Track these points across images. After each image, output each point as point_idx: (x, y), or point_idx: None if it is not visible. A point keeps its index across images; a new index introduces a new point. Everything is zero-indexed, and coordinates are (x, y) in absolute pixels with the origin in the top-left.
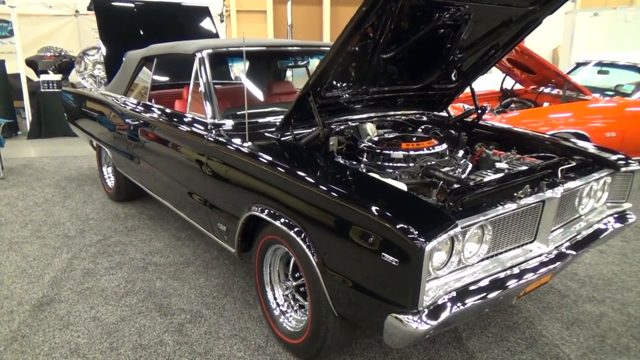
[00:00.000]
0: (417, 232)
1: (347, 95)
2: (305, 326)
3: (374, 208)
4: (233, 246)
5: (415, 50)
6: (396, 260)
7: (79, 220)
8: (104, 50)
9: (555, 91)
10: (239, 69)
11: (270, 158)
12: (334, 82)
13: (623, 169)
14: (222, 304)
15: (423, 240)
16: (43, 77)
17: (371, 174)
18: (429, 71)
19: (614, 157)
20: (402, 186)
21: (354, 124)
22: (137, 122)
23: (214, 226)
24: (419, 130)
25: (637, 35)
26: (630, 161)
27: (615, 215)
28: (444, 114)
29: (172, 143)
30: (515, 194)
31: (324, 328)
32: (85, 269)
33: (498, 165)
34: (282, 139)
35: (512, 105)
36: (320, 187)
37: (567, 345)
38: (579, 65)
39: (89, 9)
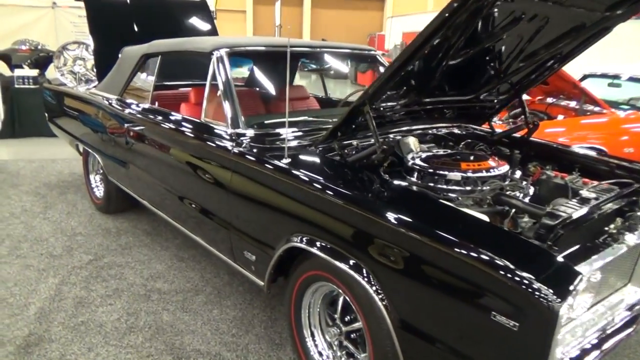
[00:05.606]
0: (548, 289)
1: (399, 106)
2: None
3: (482, 253)
4: (262, 278)
5: (478, 57)
6: (515, 322)
7: (64, 235)
8: (93, 45)
9: (563, 102)
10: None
11: (319, 178)
12: (391, 92)
13: None
14: (245, 343)
15: (557, 299)
16: (18, 72)
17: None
18: (485, 81)
19: None
20: (483, 217)
21: (394, 138)
22: (139, 127)
23: (238, 253)
24: (462, 145)
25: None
26: None
27: None
28: (486, 127)
29: (182, 153)
30: (606, 229)
31: None
32: (77, 297)
33: (583, 193)
34: (327, 155)
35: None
36: (390, 218)
37: None
38: (585, 77)
39: None
